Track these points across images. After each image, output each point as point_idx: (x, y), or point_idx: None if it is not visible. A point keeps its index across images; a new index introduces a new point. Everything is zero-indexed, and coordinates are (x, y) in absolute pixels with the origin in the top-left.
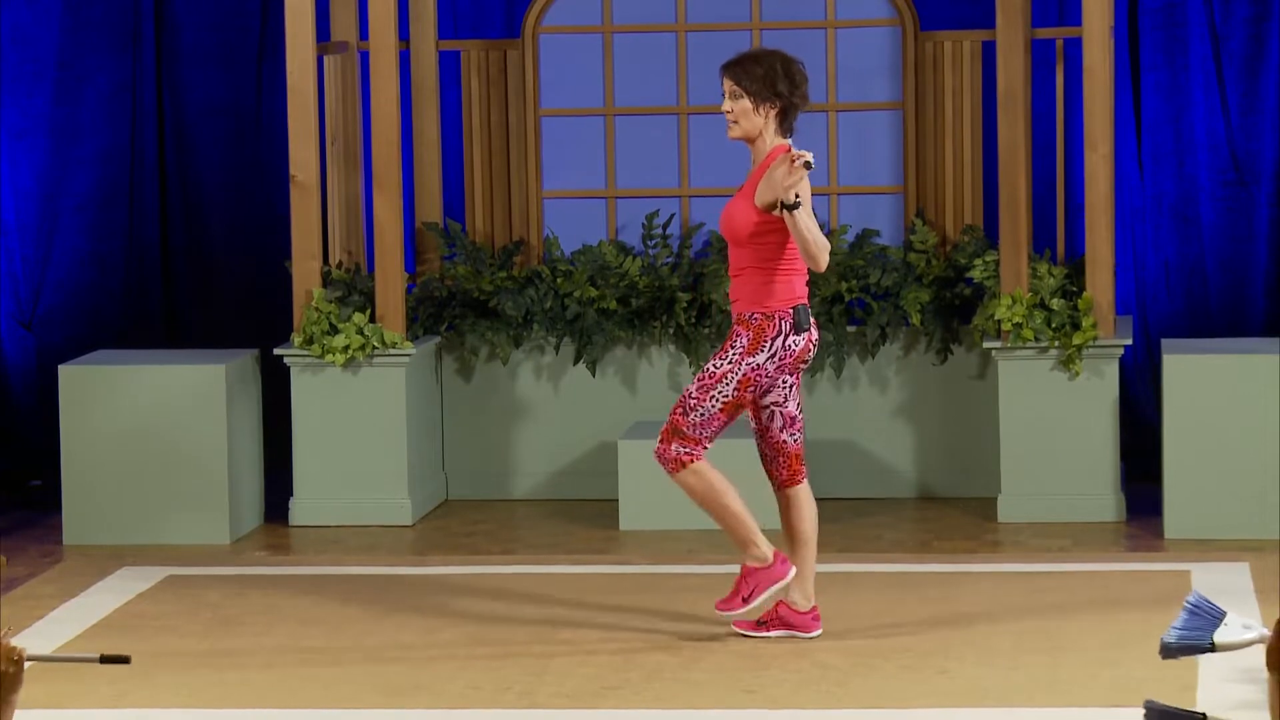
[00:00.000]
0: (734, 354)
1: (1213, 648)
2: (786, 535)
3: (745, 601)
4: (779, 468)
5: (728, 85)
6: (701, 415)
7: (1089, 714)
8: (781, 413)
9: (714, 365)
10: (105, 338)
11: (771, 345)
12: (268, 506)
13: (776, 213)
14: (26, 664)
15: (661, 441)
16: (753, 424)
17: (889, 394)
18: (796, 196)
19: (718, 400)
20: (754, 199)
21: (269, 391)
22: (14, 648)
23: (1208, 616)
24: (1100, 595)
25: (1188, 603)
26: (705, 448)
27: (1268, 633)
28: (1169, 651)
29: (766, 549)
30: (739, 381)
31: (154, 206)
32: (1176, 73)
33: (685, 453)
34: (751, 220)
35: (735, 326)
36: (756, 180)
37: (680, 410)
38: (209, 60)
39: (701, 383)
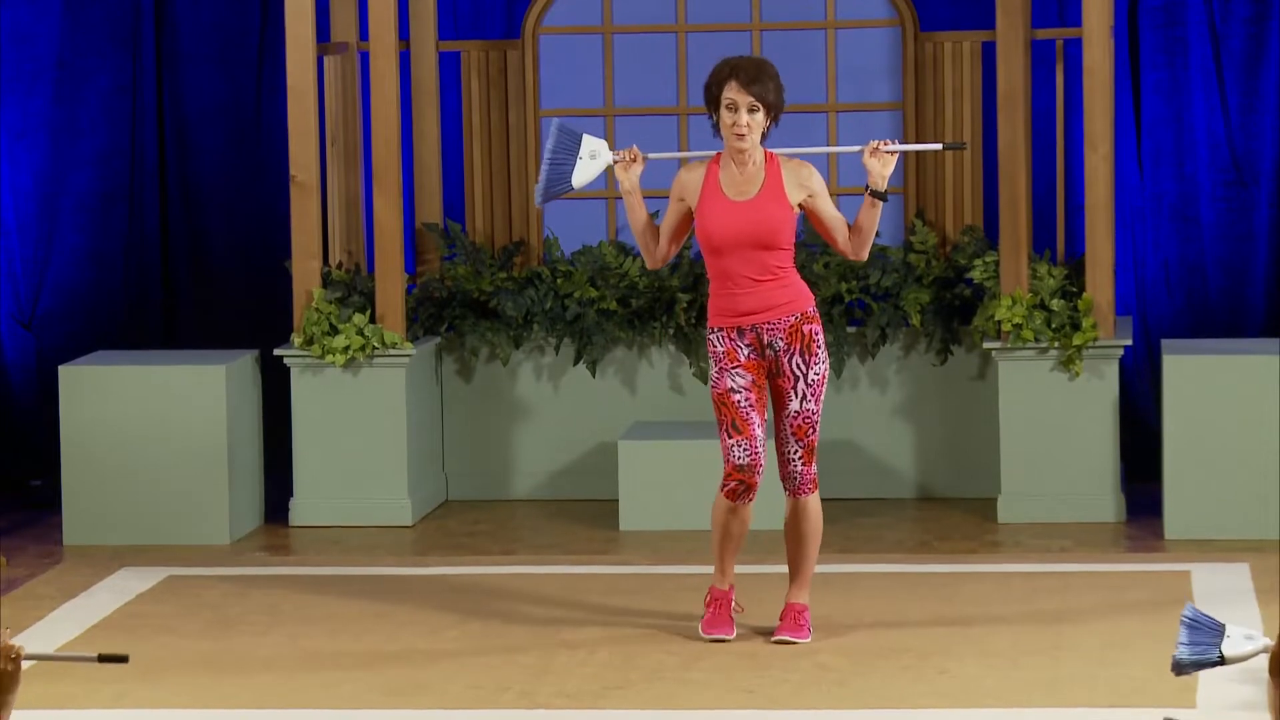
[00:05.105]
0: (822, 353)
1: (1222, 660)
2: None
3: (809, 631)
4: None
5: (745, 99)
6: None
7: (1089, 714)
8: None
9: (815, 373)
10: (105, 338)
11: None
12: (268, 506)
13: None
14: (25, 663)
15: (805, 465)
16: (760, 429)
17: (889, 394)
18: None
19: (822, 403)
20: (788, 201)
21: (269, 391)
22: (12, 646)
23: (1208, 630)
24: (1100, 595)
25: (1185, 618)
26: None
27: (1270, 642)
28: (1181, 669)
29: None
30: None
31: (154, 206)
32: (1176, 73)
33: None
34: (792, 222)
35: (805, 326)
36: (778, 184)
37: (810, 429)
38: (209, 60)
39: (815, 394)
